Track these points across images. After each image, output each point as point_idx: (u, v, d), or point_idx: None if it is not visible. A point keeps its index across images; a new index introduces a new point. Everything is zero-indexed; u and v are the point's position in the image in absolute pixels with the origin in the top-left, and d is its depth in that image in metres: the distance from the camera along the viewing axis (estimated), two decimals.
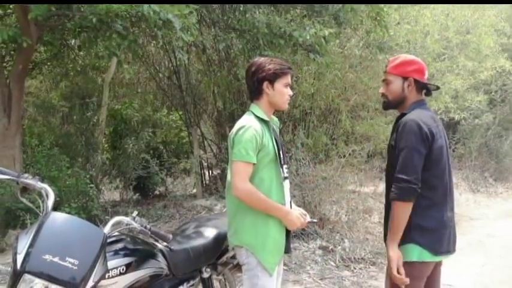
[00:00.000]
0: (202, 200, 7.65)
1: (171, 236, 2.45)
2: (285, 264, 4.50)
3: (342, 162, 6.78)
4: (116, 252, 2.38)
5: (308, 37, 5.53)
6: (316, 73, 7.30)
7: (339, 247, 5.85)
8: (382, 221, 2.79)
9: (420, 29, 8.20)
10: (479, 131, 12.51)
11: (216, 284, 3.12)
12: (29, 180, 2.35)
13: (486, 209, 9.64)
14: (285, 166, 2.70)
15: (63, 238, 2.10)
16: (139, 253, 2.49)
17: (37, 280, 1.95)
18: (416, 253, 2.48)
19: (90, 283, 2.05)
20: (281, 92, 2.66)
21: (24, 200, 2.41)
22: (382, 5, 6.25)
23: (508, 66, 10.98)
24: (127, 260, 2.38)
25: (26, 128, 7.42)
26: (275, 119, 2.84)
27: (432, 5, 9.06)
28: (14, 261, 2.00)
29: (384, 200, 2.78)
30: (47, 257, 1.98)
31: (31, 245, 2.01)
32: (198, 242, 2.89)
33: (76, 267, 2.00)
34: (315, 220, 3.24)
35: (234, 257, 3.04)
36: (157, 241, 2.58)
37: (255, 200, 2.53)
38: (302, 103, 7.42)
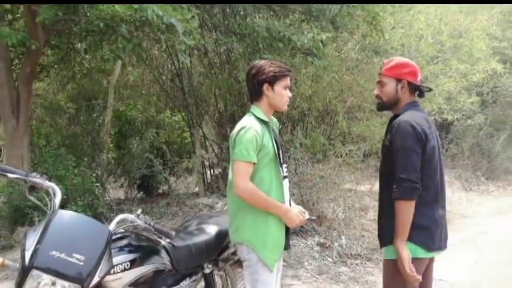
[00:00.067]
0: (204, 198, 7.64)
1: (174, 233, 2.45)
2: (284, 260, 4.50)
3: (339, 161, 6.78)
4: (121, 249, 2.37)
5: (306, 41, 5.52)
6: (314, 75, 7.30)
7: (336, 243, 5.85)
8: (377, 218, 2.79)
9: (414, 33, 8.19)
10: (471, 131, 12.54)
11: (217, 279, 3.12)
12: (36, 179, 2.36)
13: (478, 207, 9.65)
14: (284, 165, 2.70)
15: (70, 235, 2.10)
16: (143, 249, 2.49)
17: (44, 275, 1.95)
18: (411, 250, 2.48)
19: (96, 278, 2.05)
20: (280, 94, 2.66)
21: (32, 198, 2.40)
22: (378, 9, 6.25)
23: (499, 69, 11.00)
24: (131, 256, 2.38)
25: (34, 128, 7.41)
26: (274, 119, 2.84)
27: (426, 10, 9.07)
28: (23, 257, 2.00)
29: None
30: (54, 253, 1.98)
31: (39, 242, 2.01)
32: (200, 238, 2.89)
33: (82, 263, 2.00)
34: (313, 217, 3.25)
35: (234, 253, 3.05)
36: (160, 238, 2.58)
37: (255, 198, 2.53)
38: (300, 104, 7.43)
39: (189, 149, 9.12)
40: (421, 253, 2.50)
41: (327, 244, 5.85)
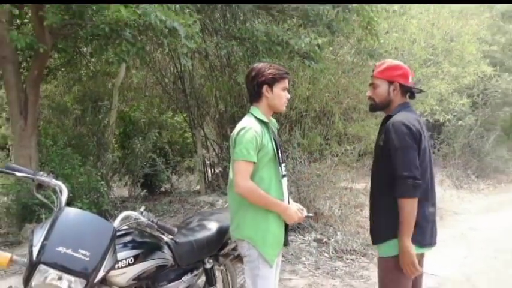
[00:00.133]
0: (205, 196, 7.64)
1: (176, 230, 2.45)
2: (282, 256, 4.49)
3: (335, 160, 6.78)
4: (125, 245, 2.37)
5: (303, 45, 5.53)
6: (311, 78, 7.30)
7: (332, 239, 5.86)
8: None
9: (408, 37, 8.19)
10: (462, 131, 12.56)
11: (217, 274, 3.11)
12: (44, 177, 2.36)
13: (469, 204, 9.66)
14: (283, 165, 2.69)
15: (76, 231, 2.10)
16: (146, 245, 2.49)
17: (51, 270, 1.95)
18: None
19: (101, 273, 2.05)
20: (279, 95, 2.65)
21: (39, 196, 2.40)
22: (372, 14, 6.25)
23: (489, 72, 11.02)
24: (135, 251, 2.38)
25: (41, 129, 7.40)
26: (273, 120, 2.84)
27: (419, 15, 9.07)
28: (30, 252, 2.00)
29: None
30: (61, 248, 1.98)
31: (46, 238, 2.01)
32: (201, 234, 2.89)
33: (88, 259, 2.00)
34: (311, 214, 3.24)
35: (234, 248, 3.05)
36: (163, 234, 2.57)
37: (255, 196, 2.52)
38: (298, 106, 7.43)
39: (191, 148, 9.13)
40: (414, 249, 2.49)
41: (324, 240, 5.85)
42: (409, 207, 2.41)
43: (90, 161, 7.16)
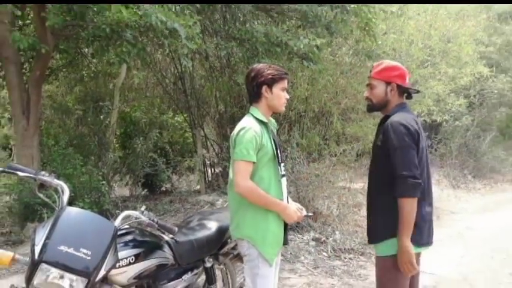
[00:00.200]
0: (205, 196, 7.64)
1: (176, 229, 2.44)
2: (281, 255, 4.50)
3: (334, 160, 6.78)
4: (126, 244, 2.37)
5: (302, 46, 5.53)
6: (310, 79, 7.30)
7: (331, 239, 5.85)
8: None
9: (405, 38, 8.19)
10: (459, 132, 12.56)
11: (217, 272, 3.11)
12: (46, 177, 2.35)
13: (465, 204, 9.66)
14: (282, 164, 2.69)
15: (77, 230, 2.09)
16: (147, 244, 2.48)
17: (53, 269, 1.94)
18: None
19: (102, 272, 2.05)
20: (278, 96, 2.65)
21: (41, 196, 2.40)
22: (370, 15, 6.25)
23: (485, 73, 11.03)
24: (136, 250, 2.38)
25: (43, 129, 7.40)
26: (273, 120, 2.83)
27: (416, 16, 9.07)
28: (32, 251, 2.00)
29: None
30: (62, 247, 1.98)
31: (48, 237, 2.01)
32: (201, 234, 2.89)
33: (89, 257, 2.00)
34: (310, 214, 3.24)
35: (234, 247, 3.05)
36: (163, 233, 2.57)
37: (255, 196, 2.52)
38: (297, 106, 7.43)
39: (191, 148, 9.13)
40: (412, 249, 2.49)
41: (322, 239, 5.85)
42: (409, 206, 2.40)
43: (91, 161, 7.17)
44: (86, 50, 7.24)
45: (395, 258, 2.46)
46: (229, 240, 3.02)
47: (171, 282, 2.64)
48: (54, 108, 8.27)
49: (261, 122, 2.62)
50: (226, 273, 3.29)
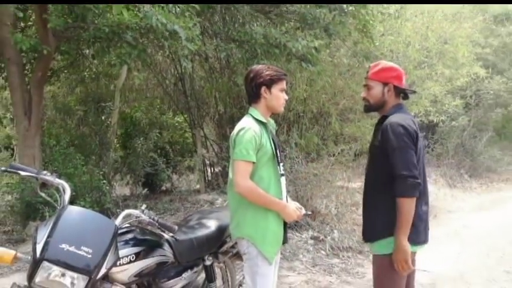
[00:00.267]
0: (205, 195, 7.63)
1: (176, 227, 2.44)
2: (280, 253, 4.51)
3: (332, 160, 6.78)
4: (126, 242, 2.37)
5: (300, 47, 5.52)
6: (308, 80, 7.29)
7: (329, 237, 5.85)
8: None
9: (402, 39, 8.19)
10: (455, 132, 12.56)
11: (217, 270, 3.11)
12: (47, 176, 2.36)
13: (462, 203, 9.67)
14: (281, 164, 2.69)
15: (79, 229, 2.10)
16: (147, 243, 2.49)
17: (54, 267, 1.95)
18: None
19: (103, 270, 2.05)
20: (277, 96, 2.65)
21: (43, 195, 2.40)
22: (368, 17, 6.25)
23: (481, 74, 11.04)
24: (136, 249, 2.38)
25: (45, 129, 7.40)
26: (272, 121, 2.83)
27: (414, 18, 9.07)
28: (34, 250, 2.00)
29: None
30: (64, 246, 1.98)
31: (49, 235, 2.01)
32: (201, 232, 2.89)
33: (90, 256, 2.00)
34: (309, 212, 3.24)
35: (233, 246, 3.05)
36: (164, 232, 2.57)
37: (255, 195, 2.52)
38: (296, 107, 7.42)
39: (191, 148, 9.12)
40: (409, 248, 2.50)
41: (320, 238, 5.85)
42: (408, 206, 2.40)
43: (92, 161, 7.17)
44: (87, 51, 7.23)
45: (391, 257, 2.46)
46: (228, 239, 3.02)
47: (171, 280, 2.64)
48: (56, 108, 8.27)
49: (260, 122, 2.61)
50: (226, 271, 3.30)
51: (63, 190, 2.28)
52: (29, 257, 2.06)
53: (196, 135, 8.38)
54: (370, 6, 6.35)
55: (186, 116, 8.82)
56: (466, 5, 12.65)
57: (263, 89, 2.62)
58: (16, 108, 5.94)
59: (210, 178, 8.66)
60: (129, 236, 2.43)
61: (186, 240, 2.76)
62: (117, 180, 8.30)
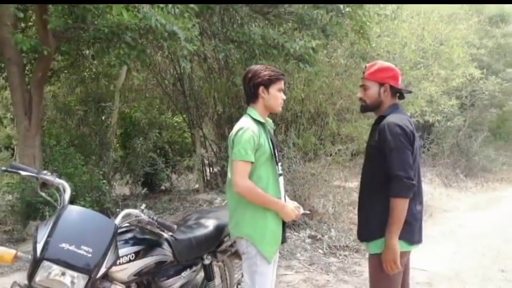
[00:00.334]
0: (203, 194, 7.63)
1: (175, 227, 2.44)
2: (278, 252, 4.51)
3: (329, 160, 6.78)
4: (126, 241, 2.37)
5: (298, 48, 5.52)
6: (306, 80, 7.30)
7: (326, 236, 5.86)
8: None
9: (399, 40, 8.20)
10: (451, 132, 12.60)
11: (216, 269, 3.11)
12: (47, 176, 2.35)
13: (457, 202, 9.68)
14: (279, 164, 2.68)
15: (79, 228, 2.09)
16: (147, 242, 2.48)
17: (55, 266, 1.94)
18: None
19: (103, 269, 2.04)
20: (275, 96, 2.64)
21: (43, 194, 2.40)
22: (365, 19, 6.25)
23: (476, 74, 11.05)
24: (136, 248, 2.38)
25: (45, 129, 7.39)
26: (270, 121, 2.82)
27: (410, 19, 9.08)
28: (34, 249, 2.00)
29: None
30: (64, 245, 1.97)
31: (49, 235, 2.00)
32: (200, 231, 2.88)
33: (90, 255, 1.99)
34: (308, 212, 3.23)
35: (232, 245, 3.04)
36: (163, 231, 2.56)
37: (254, 195, 2.51)
38: (293, 107, 7.42)
39: (190, 148, 9.13)
40: (404, 247, 2.48)
41: (318, 237, 5.86)
42: (401, 206, 2.39)
43: (92, 160, 7.16)
44: (87, 51, 7.23)
45: None
46: (227, 238, 3.01)
47: (170, 279, 2.63)
48: (57, 108, 8.26)
49: (258, 122, 2.61)
50: (225, 270, 3.29)
51: (63, 190, 2.27)
52: (30, 256, 2.05)
53: (195, 135, 8.38)
54: (367, 7, 6.35)
55: (185, 116, 8.82)
56: (461, 7, 12.68)
57: (261, 89, 2.62)
58: (16, 108, 5.93)
59: (208, 178, 8.66)
60: (129, 235, 2.42)
61: (185, 240, 2.75)
62: (117, 180, 8.29)
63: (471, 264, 5.38)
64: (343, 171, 7.25)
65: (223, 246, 3.05)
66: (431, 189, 9.91)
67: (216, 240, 2.97)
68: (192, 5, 4.83)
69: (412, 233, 2.51)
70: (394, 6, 8.39)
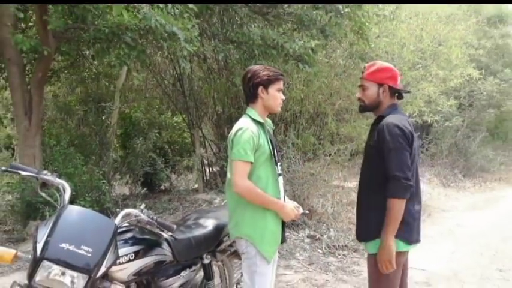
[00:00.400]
0: (203, 194, 7.63)
1: (175, 227, 2.43)
2: (277, 252, 4.51)
3: (328, 160, 6.78)
4: (126, 241, 2.36)
5: (297, 48, 5.52)
6: (305, 80, 7.30)
7: (325, 236, 5.86)
8: None
9: (397, 41, 8.20)
10: (449, 132, 12.61)
11: (215, 269, 3.11)
12: (47, 176, 2.34)
13: (456, 202, 9.68)
14: (278, 164, 2.68)
15: (79, 228, 2.09)
16: (146, 242, 2.48)
17: (54, 266, 1.94)
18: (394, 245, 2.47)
19: (103, 269, 2.04)
20: (274, 96, 2.63)
21: (43, 194, 2.39)
22: (364, 19, 6.25)
23: (475, 75, 11.05)
24: (135, 248, 2.37)
25: (45, 129, 7.38)
26: (269, 121, 2.82)
27: (408, 20, 9.08)
28: (34, 249, 1.99)
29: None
30: (64, 245, 1.97)
31: (49, 235, 2.00)
32: (199, 231, 2.88)
33: (90, 255, 1.99)
34: (307, 212, 3.23)
35: (231, 245, 3.04)
36: (162, 231, 2.56)
37: (253, 195, 2.50)
38: (292, 107, 7.43)
39: (189, 148, 9.13)
40: (403, 247, 2.49)
41: (317, 236, 5.85)
42: (398, 207, 2.39)
43: (92, 160, 7.15)
44: (87, 52, 7.23)
45: None
46: (226, 238, 3.01)
47: (170, 279, 2.63)
48: (57, 108, 8.25)
49: (257, 122, 2.60)
50: (224, 270, 3.28)
51: (63, 190, 2.27)
52: (29, 256, 2.05)
53: (195, 135, 8.38)
54: (366, 7, 6.35)
55: (184, 116, 8.82)
56: (459, 8, 12.69)
57: (260, 89, 2.61)
58: (16, 108, 5.92)
59: (208, 178, 8.66)
60: (129, 235, 2.42)
61: (185, 239, 2.75)
62: (117, 180, 8.29)
63: (469, 264, 5.38)
64: (342, 171, 7.25)
65: (222, 246, 3.05)
66: (430, 189, 9.92)
67: (216, 240, 2.97)
68: (191, 6, 4.82)
69: (410, 232, 2.51)
70: (393, 6, 8.38)
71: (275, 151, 2.64)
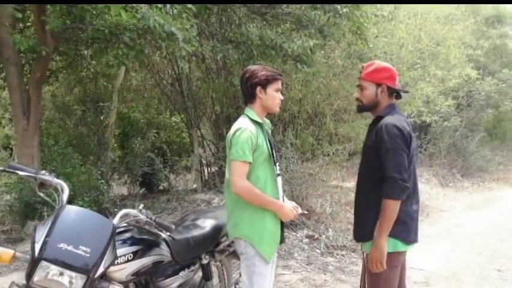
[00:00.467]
0: (201, 194, 7.62)
1: (173, 227, 2.43)
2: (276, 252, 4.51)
3: (326, 160, 6.79)
4: (124, 241, 2.36)
5: (296, 48, 5.52)
6: (303, 81, 7.30)
7: (324, 236, 5.86)
8: None
9: (396, 41, 8.21)
10: (448, 132, 12.63)
11: (213, 269, 3.11)
12: (46, 176, 2.34)
13: (454, 202, 9.70)
14: (277, 164, 2.68)
15: (77, 228, 2.09)
16: (145, 242, 2.48)
17: (53, 266, 1.93)
18: (391, 245, 2.46)
19: (101, 269, 2.04)
20: (272, 96, 2.63)
21: (41, 194, 2.39)
22: (362, 19, 6.26)
23: (473, 75, 11.08)
24: (134, 248, 2.37)
25: (44, 129, 7.37)
26: (267, 121, 2.81)
27: (407, 20, 9.10)
28: (32, 249, 1.99)
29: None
30: (62, 245, 1.97)
31: (48, 235, 2.00)
32: (197, 231, 2.88)
33: (88, 255, 1.99)
34: (306, 212, 3.24)
35: (230, 245, 3.04)
36: (161, 231, 2.56)
37: (252, 195, 2.50)
38: (291, 107, 7.43)
39: (188, 148, 9.11)
40: (401, 247, 2.49)
41: (315, 236, 5.85)
42: (393, 207, 2.39)
43: (90, 160, 7.14)
44: (85, 52, 7.20)
45: (388, 256, 2.45)
46: (224, 238, 3.01)
47: (168, 279, 2.63)
48: (56, 108, 8.24)
49: (256, 122, 2.60)
50: (222, 270, 3.29)
51: (62, 190, 2.27)
52: (28, 256, 2.05)
53: (193, 135, 8.37)
54: (364, 8, 6.35)
55: (183, 116, 8.81)
56: (458, 8, 12.70)
57: (258, 89, 2.61)
58: (15, 108, 5.91)
59: (206, 178, 8.65)
60: (127, 235, 2.42)
61: (183, 240, 2.75)
62: (115, 180, 8.28)
63: (468, 264, 5.39)
64: (341, 171, 7.25)
65: (221, 246, 3.05)
66: (428, 189, 9.93)
67: (214, 240, 2.97)
68: (190, 6, 4.82)
69: (408, 232, 2.51)
70: (392, 7, 8.39)
71: (273, 151, 2.64)
